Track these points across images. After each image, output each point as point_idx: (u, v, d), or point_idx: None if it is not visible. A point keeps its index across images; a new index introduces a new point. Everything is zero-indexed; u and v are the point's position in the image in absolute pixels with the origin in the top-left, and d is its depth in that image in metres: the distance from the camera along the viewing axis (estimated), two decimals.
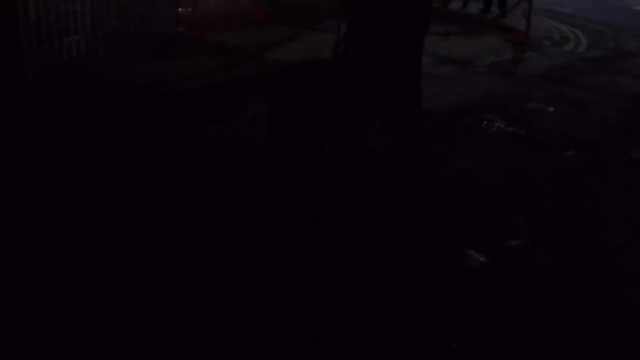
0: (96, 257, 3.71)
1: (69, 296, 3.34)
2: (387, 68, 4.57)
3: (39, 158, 4.80)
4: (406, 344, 3.23)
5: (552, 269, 4.03)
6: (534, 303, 3.66)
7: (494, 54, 9.72)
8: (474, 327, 3.39)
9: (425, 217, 4.52)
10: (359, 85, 4.65)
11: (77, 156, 4.90)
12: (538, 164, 5.66)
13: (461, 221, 4.51)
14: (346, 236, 4.09)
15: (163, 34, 8.08)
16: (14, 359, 2.94)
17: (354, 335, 3.23)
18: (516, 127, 6.51)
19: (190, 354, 3.02)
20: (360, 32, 4.57)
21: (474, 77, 8.34)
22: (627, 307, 3.72)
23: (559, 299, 3.72)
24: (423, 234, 4.29)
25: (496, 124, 6.52)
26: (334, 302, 3.46)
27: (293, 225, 4.23)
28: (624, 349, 3.38)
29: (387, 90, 4.67)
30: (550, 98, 7.65)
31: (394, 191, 4.73)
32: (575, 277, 3.96)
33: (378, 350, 3.16)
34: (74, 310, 3.23)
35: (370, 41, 4.50)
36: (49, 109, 5.55)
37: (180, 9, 8.90)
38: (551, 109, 7.26)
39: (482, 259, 4.00)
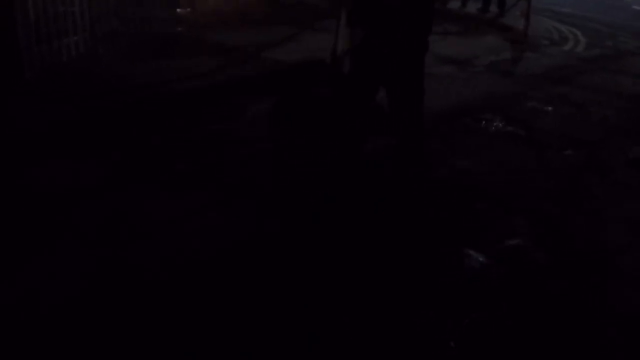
0: (96, 256, 3.71)
1: (69, 296, 3.34)
2: (387, 68, 4.57)
3: (39, 158, 4.79)
4: (406, 343, 3.23)
5: (552, 268, 4.04)
6: (534, 303, 3.67)
7: (493, 54, 9.73)
8: (474, 326, 3.40)
9: (426, 217, 4.52)
10: (359, 85, 4.64)
11: (77, 156, 4.90)
12: (538, 163, 5.66)
13: (461, 221, 4.51)
14: (346, 236, 4.09)
15: (162, 34, 8.07)
16: (14, 358, 2.94)
17: (353, 336, 3.23)
18: (516, 127, 6.51)
19: (191, 354, 3.02)
20: (361, 31, 4.57)
21: (473, 76, 8.35)
22: (627, 306, 3.73)
23: (559, 298, 3.72)
24: (423, 233, 4.29)
25: (496, 124, 6.53)
26: (334, 302, 3.46)
27: (293, 225, 4.23)
28: (624, 348, 3.39)
29: (387, 90, 4.67)
30: (549, 98, 7.66)
31: (394, 191, 4.73)
32: (575, 276, 3.97)
33: (378, 350, 3.16)
34: (74, 310, 3.23)
35: (370, 41, 4.50)
36: (48, 109, 5.54)
37: (179, 9, 8.89)
38: (550, 108, 7.26)
39: (481, 259, 4.00)
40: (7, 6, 5.81)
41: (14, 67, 5.99)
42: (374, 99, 4.80)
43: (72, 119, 5.46)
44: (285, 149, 5.23)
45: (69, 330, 3.10)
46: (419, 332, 3.31)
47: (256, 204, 4.43)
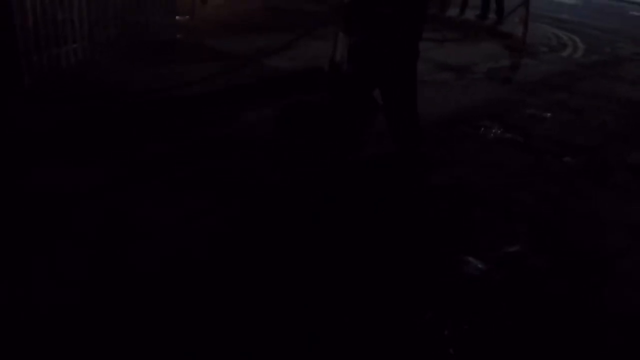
0: (96, 257, 3.71)
1: (68, 296, 3.35)
2: (387, 69, 4.58)
3: (38, 161, 4.79)
4: (405, 344, 3.22)
5: (552, 272, 4.04)
6: (534, 304, 3.67)
7: (491, 61, 9.74)
8: (474, 327, 3.40)
9: (425, 221, 4.52)
10: (359, 86, 4.65)
11: (76, 159, 4.90)
12: (536, 169, 5.67)
13: (460, 226, 4.51)
14: (346, 237, 4.09)
15: (161, 41, 8.08)
16: (14, 358, 2.94)
17: (353, 336, 3.22)
18: (514, 133, 6.52)
19: (191, 354, 3.02)
20: (361, 33, 4.58)
21: (471, 83, 8.36)
22: (627, 308, 3.74)
23: (559, 301, 3.73)
24: (422, 236, 4.30)
25: (494, 131, 6.53)
26: (334, 302, 3.46)
27: (293, 225, 4.23)
28: (623, 349, 3.39)
29: (387, 91, 4.68)
30: (548, 104, 7.67)
31: (394, 194, 4.74)
32: (574, 280, 3.98)
33: (378, 350, 3.15)
34: (73, 311, 3.24)
35: (370, 41, 4.51)
36: (47, 113, 5.55)
37: (178, 16, 8.91)
38: (549, 115, 7.27)
39: (480, 265, 4.00)
40: (6, 13, 5.82)
41: (13, 73, 5.99)
42: (374, 100, 4.82)
43: (71, 123, 5.46)
44: (285, 149, 5.24)
45: (68, 330, 3.10)
46: (417, 333, 3.31)
47: (256, 204, 4.44)
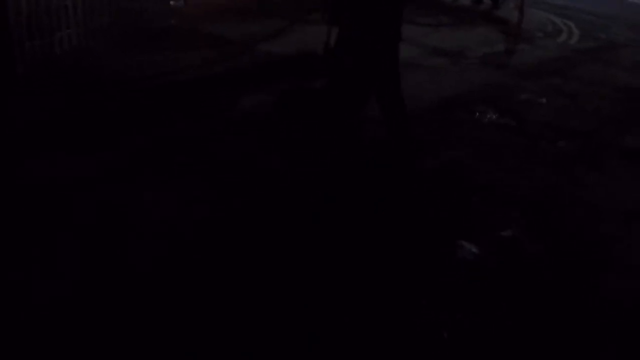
0: (91, 250, 3.70)
1: (64, 288, 3.35)
2: (382, 64, 4.61)
3: (33, 151, 4.77)
4: (404, 341, 3.23)
5: (546, 258, 4.06)
6: (528, 291, 3.69)
7: (486, 46, 9.73)
8: (470, 315, 3.42)
9: (419, 208, 4.53)
10: (355, 82, 4.67)
11: (69, 149, 4.87)
12: (531, 154, 5.68)
13: (454, 212, 4.53)
14: (345, 236, 4.07)
15: (155, 27, 8.06)
16: (10, 352, 2.95)
17: (353, 336, 3.22)
18: (509, 118, 6.53)
19: (191, 354, 3.01)
20: (354, 29, 4.60)
21: (466, 69, 8.35)
22: (620, 295, 3.76)
23: (553, 287, 3.75)
24: (417, 224, 4.31)
25: (489, 116, 6.54)
26: (334, 301, 3.45)
27: (293, 224, 4.19)
28: (617, 336, 3.42)
29: (380, 86, 4.72)
30: (543, 89, 7.68)
31: (389, 184, 4.75)
32: (568, 266, 3.99)
33: (378, 350, 3.16)
34: (71, 304, 3.24)
35: (363, 37, 4.53)
36: (42, 103, 5.53)
37: (172, 2, 8.88)
38: (544, 100, 7.28)
39: (475, 250, 4.02)
40: None
41: (6, 62, 5.96)
42: (369, 95, 4.83)
43: (65, 112, 5.45)
44: (284, 143, 5.21)
45: (66, 323, 3.11)
46: (416, 330, 3.31)
47: (256, 204, 4.39)
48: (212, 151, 5.05)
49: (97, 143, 4.98)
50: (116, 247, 3.76)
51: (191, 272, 3.58)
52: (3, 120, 5.16)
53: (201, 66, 6.70)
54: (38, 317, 3.13)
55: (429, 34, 9.42)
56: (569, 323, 3.46)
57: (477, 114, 6.57)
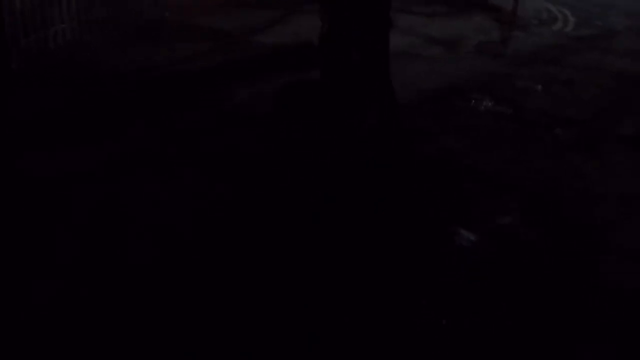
0: (87, 244, 3.71)
1: (61, 280, 3.35)
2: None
3: (28, 146, 4.77)
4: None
5: (543, 245, 4.07)
6: (527, 277, 3.70)
7: (482, 34, 9.70)
8: (468, 304, 3.43)
9: (416, 198, 4.53)
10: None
11: (65, 142, 4.88)
12: (527, 142, 5.68)
13: (451, 199, 4.53)
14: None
15: (151, 19, 8.03)
16: (7, 349, 2.95)
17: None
18: (505, 106, 6.52)
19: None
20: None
21: (462, 57, 8.33)
22: (618, 280, 3.78)
23: (550, 273, 3.76)
24: (415, 215, 4.31)
25: (485, 103, 6.53)
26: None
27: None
28: (615, 320, 3.43)
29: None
30: (538, 77, 7.66)
31: (389, 180, 4.74)
32: (566, 252, 4.00)
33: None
34: (70, 301, 3.25)
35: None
36: (37, 98, 5.53)
37: None
38: (540, 88, 7.27)
39: (472, 237, 4.03)
40: None
41: (0, 58, 5.95)
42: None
43: (60, 107, 5.44)
44: (284, 143, 5.17)
45: (64, 319, 3.12)
46: (416, 327, 3.32)
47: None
48: (208, 146, 5.05)
49: (93, 136, 4.98)
50: (114, 244, 3.76)
51: (190, 271, 3.58)
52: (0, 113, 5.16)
53: (196, 58, 6.69)
54: (38, 317, 3.14)
55: (425, 24, 9.40)
56: (570, 308, 3.47)
57: (474, 101, 6.56)
